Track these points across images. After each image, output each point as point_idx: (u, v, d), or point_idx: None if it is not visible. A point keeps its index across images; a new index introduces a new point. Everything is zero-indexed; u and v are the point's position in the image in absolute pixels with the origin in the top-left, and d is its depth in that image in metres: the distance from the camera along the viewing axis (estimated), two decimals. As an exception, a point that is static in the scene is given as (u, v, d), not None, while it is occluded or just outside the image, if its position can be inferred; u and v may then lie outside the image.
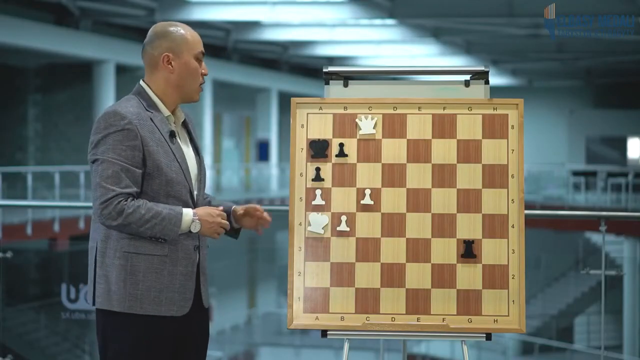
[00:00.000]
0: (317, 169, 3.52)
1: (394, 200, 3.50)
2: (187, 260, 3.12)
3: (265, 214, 3.39)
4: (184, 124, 3.26)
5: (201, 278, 3.20)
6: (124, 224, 2.99)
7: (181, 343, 3.18)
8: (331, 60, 25.20)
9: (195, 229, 3.08)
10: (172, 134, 3.13)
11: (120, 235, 3.05)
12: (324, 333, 3.49)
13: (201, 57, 3.20)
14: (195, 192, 3.19)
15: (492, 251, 3.47)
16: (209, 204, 3.36)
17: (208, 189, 3.44)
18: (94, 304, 3.14)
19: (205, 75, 3.21)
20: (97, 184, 3.01)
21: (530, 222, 4.28)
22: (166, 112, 3.15)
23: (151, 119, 3.09)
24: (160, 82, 3.15)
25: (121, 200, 2.99)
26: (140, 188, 3.05)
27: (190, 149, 3.24)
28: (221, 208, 3.17)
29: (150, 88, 3.16)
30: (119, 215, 2.98)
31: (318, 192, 3.51)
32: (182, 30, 3.15)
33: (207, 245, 3.29)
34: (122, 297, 3.05)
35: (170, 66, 3.13)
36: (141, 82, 3.19)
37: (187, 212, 3.07)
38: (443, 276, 3.47)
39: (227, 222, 3.16)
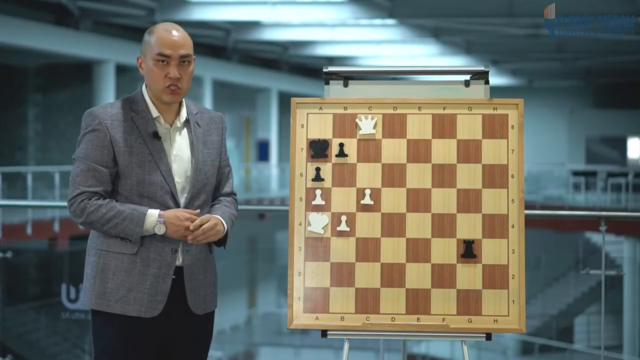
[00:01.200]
0: (317, 169, 3.52)
1: (394, 200, 3.50)
2: (160, 262, 3.07)
3: (193, 226, 3.10)
4: (187, 125, 3.20)
5: (187, 283, 3.12)
6: (87, 221, 3.05)
7: (169, 347, 3.14)
8: (331, 60, 25.20)
9: (159, 231, 3.03)
10: (155, 135, 3.10)
11: (96, 233, 3.11)
12: (324, 333, 3.49)
13: (162, 59, 3.06)
14: (184, 195, 3.12)
15: (492, 251, 3.47)
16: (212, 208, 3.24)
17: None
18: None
19: (172, 77, 3.06)
20: (70, 182, 3.10)
21: (530, 222, 4.28)
22: (155, 113, 3.14)
23: (133, 119, 3.09)
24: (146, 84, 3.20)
25: (84, 199, 3.04)
26: (110, 187, 3.07)
27: (186, 150, 3.16)
28: (197, 211, 3.06)
29: (148, 90, 3.18)
30: (82, 212, 3.04)
31: (318, 192, 3.51)
32: (155, 32, 3.09)
33: (210, 251, 3.22)
34: (91, 293, 3.08)
35: (142, 69, 3.16)
36: (144, 84, 3.22)
37: (152, 213, 3.04)
38: (443, 276, 3.47)
39: (199, 227, 3.02)
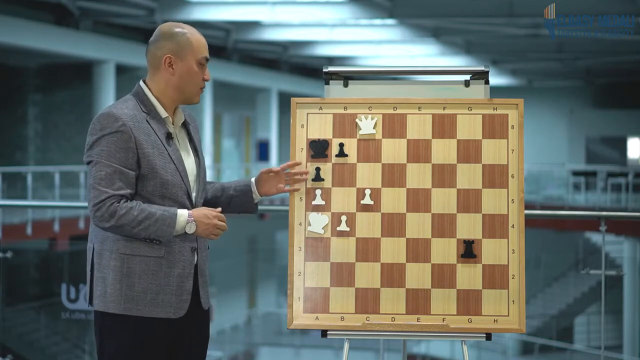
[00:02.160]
0: (317, 169, 3.52)
1: (394, 200, 3.50)
2: (183, 262, 3.11)
3: (290, 168, 3.43)
4: (185, 125, 3.26)
5: (200, 280, 3.19)
6: (116, 225, 3.00)
7: (179, 345, 3.18)
8: (331, 60, 25.19)
9: (190, 230, 3.07)
10: (169, 136, 3.13)
11: (116, 237, 3.06)
12: (324, 333, 3.49)
13: (204, 62, 3.18)
14: (193, 194, 3.18)
15: (492, 251, 3.47)
16: (222, 188, 3.37)
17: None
18: (90, 304, 3.14)
19: (207, 80, 3.19)
20: (91, 185, 3.02)
21: (530, 222, 4.28)
22: (164, 113, 3.15)
23: (147, 120, 3.09)
24: (161, 83, 3.15)
25: (114, 202, 2.99)
26: (134, 190, 3.05)
27: (190, 150, 3.23)
28: (219, 209, 3.15)
29: (150, 89, 3.16)
30: (112, 217, 2.99)
31: (318, 192, 3.51)
32: (188, 33, 3.14)
33: (207, 247, 3.29)
34: (118, 298, 3.05)
35: (171, 68, 3.12)
36: (141, 82, 3.19)
37: (182, 213, 3.06)
38: (443, 276, 3.47)
39: (224, 224, 3.14)
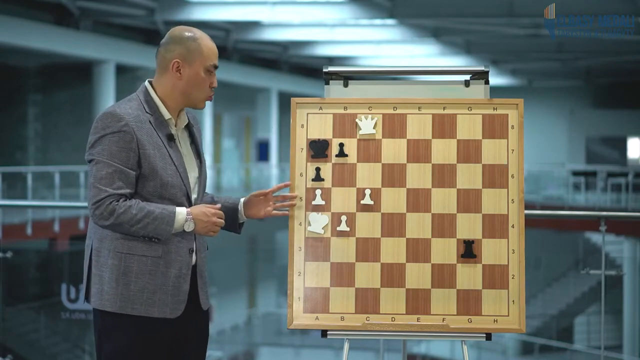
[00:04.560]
0: (317, 169, 3.52)
1: (394, 200, 3.50)
2: (181, 262, 3.12)
3: (279, 186, 3.45)
4: (188, 127, 3.26)
5: (198, 281, 3.19)
6: (115, 223, 3.01)
7: (178, 345, 3.19)
8: (331, 60, 25.19)
9: (189, 227, 3.08)
10: (171, 137, 3.13)
11: (114, 235, 3.07)
12: (324, 333, 3.49)
13: (212, 70, 3.17)
14: (193, 196, 3.19)
15: (492, 251, 3.47)
16: (212, 200, 3.38)
17: (208, 188, 3.44)
18: (86, 301, 3.16)
19: (214, 87, 3.19)
20: (91, 184, 3.04)
21: (530, 222, 4.28)
22: (167, 115, 3.15)
23: (150, 121, 3.09)
24: (167, 86, 3.15)
25: (112, 201, 3.01)
26: (134, 189, 3.06)
27: (191, 151, 3.24)
28: (218, 206, 3.17)
29: (155, 90, 3.16)
30: (111, 215, 3.00)
31: (318, 192, 3.51)
32: (199, 39, 3.14)
33: (207, 248, 3.29)
34: (114, 297, 3.06)
35: (178, 73, 3.13)
36: (147, 82, 3.19)
37: (181, 211, 3.07)
38: (443, 276, 3.47)
39: (222, 221, 3.15)
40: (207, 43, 3.16)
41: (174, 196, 3.11)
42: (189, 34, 3.15)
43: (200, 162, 3.26)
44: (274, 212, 3.42)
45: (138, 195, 3.08)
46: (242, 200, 3.42)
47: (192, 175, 3.20)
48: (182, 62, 3.12)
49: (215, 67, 3.18)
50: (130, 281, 3.06)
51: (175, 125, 3.19)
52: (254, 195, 3.42)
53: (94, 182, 3.02)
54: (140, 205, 3.02)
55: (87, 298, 3.16)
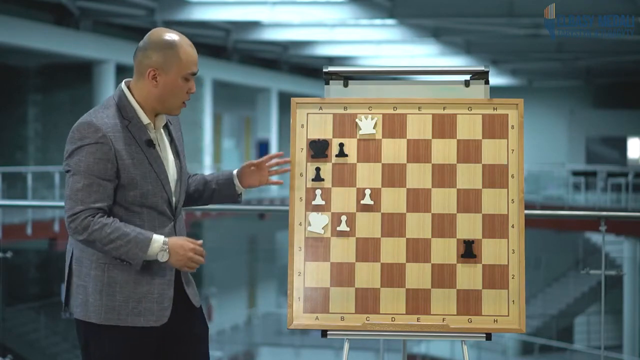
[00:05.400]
0: (317, 169, 3.52)
1: (394, 200, 3.50)
2: (164, 269, 3.07)
3: (271, 160, 3.42)
4: (166, 126, 3.19)
5: (183, 279, 3.15)
6: (88, 240, 2.95)
7: (172, 347, 3.16)
8: (331, 60, 25.20)
9: (162, 258, 2.99)
10: (150, 143, 3.05)
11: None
12: (324, 333, 3.49)
13: (190, 78, 3.07)
14: (174, 199, 3.12)
15: (492, 251, 3.47)
16: (205, 182, 3.36)
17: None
18: (67, 307, 3.11)
19: (192, 93, 3.09)
20: (68, 196, 2.97)
21: (530, 222, 4.28)
22: (146, 119, 3.07)
23: (128, 127, 3.02)
24: (144, 91, 3.06)
25: (88, 216, 2.94)
26: (112, 201, 3.00)
27: (170, 152, 3.16)
28: (200, 242, 3.06)
29: (132, 93, 3.08)
30: (85, 230, 2.94)
31: (318, 192, 3.51)
32: (178, 46, 3.02)
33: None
34: (99, 308, 3.01)
35: (154, 81, 3.03)
36: (123, 85, 3.10)
37: (157, 239, 2.99)
38: (443, 276, 3.46)
39: (201, 258, 3.05)
40: (186, 50, 3.03)
41: (155, 204, 3.05)
42: (168, 39, 3.03)
43: (180, 161, 3.18)
44: (270, 179, 3.44)
45: (118, 205, 3.01)
46: (235, 172, 3.41)
47: (172, 177, 3.13)
48: (159, 70, 3.02)
49: (194, 74, 3.08)
50: (115, 292, 3.01)
51: (154, 127, 3.12)
52: (246, 167, 3.42)
53: (70, 194, 2.95)
54: (117, 225, 2.95)
55: (66, 305, 3.11)
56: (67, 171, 3.00)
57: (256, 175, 3.43)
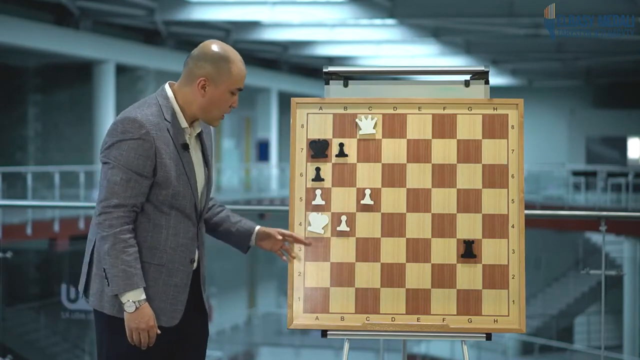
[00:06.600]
0: (317, 169, 3.52)
1: (394, 200, 3.50)
2: (182, 272, 3.12)
3: (297, 236, 3.46)
4: (199, 135, 3.24)
5: (201, 283, 3.23)
6: (104, 237, 2.99)
7: (180, 346, 3.20)
8: (331, 60, 25.20)
9: (128, 308, 3.00)
10: (185, 147, 3.11)
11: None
12: (324, 333, 3.49)
13: (236, 92, 3.15)
14: (200, 205, 3.18)
15: (492, 251, 3.47)
16: (227, 220, 3.38)
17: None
18: (85, 295, 3.15)
19: (234, 107, 3.17)
20: (104, 186, 3.01)
21: (530, 222, 4.28)
22: (184, 123, 3.13)
23: (168, 129, 3.07)
24: (188, 97, 3.12)
25: (121, 216, 2.99)
26: (145, 198, 3.04)
27: (201, 160, 3.22)
28: (157, 331, 3.05)
29: (176, 97, 3.13)
30: (110, 227, 2.98)
31: (318, 192, 3.51)
32: (231, 62, 3.09)
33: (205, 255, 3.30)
34: (113, 300, 3.05)
35: (203, 90, 3.10)
36: (168, 87, 3.16)
37: (138, 293, 3.01)
38: (443, 276, 3.46)
39: (145, 340, 3.04)
40: (238, 66, 3.12)
41: (182, 206, 3.10)
42: (222, 53, 3.10)
43: (208, 170, 3.24)
44: (284, 258, 3.51)
45: (149, 202, 3.06)
46: (257, 228, 3.43)
47: (200, 184, 3.19)
48: (209, 81, 3.09)
49: (240, 89, 3.15)
50: None
51: (190, 133, 3.18)
52: (271, 232, 3.46)
53: (107, 186, 3.00)
54: (133, 251, 2.99)
55: (85, 293, 3.16)
56: (106, 163, 3.04)
57: (277, 243, 3.48)
